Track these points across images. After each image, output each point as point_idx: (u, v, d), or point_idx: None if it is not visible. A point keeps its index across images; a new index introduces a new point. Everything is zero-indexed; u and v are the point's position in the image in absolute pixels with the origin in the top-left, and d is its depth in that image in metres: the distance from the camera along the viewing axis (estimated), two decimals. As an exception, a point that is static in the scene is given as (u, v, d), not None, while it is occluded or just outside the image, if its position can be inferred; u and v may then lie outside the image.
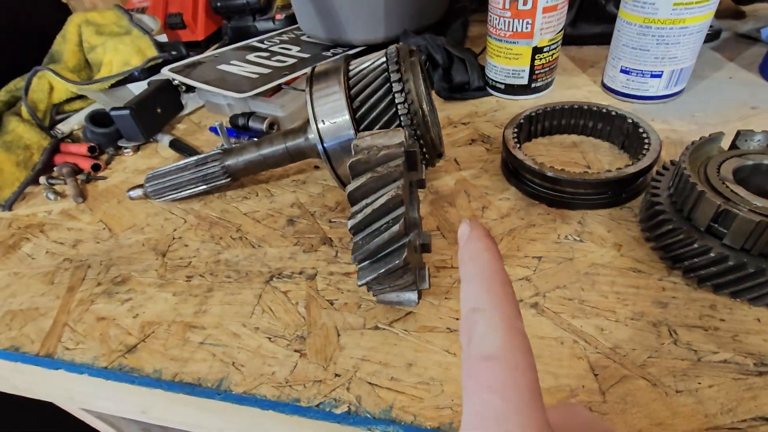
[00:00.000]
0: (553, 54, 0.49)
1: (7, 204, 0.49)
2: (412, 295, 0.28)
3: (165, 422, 0.39)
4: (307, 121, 0.36)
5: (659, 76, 0.45)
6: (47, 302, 0.37)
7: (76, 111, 0.63)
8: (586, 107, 0.43)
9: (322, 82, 0.35)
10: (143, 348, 0.32)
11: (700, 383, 0.25)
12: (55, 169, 0.53)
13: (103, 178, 0.52)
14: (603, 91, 0.51)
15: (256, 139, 0.41)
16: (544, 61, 0.49)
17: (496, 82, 0.52)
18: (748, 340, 0.26)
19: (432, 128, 0.34)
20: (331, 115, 0.34)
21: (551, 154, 0.43)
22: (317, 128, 0.34)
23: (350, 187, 0.24)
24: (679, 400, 0.24)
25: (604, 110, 0.42)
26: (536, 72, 0.49)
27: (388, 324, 0.31)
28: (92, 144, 0.54)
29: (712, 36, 0.56)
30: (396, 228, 0.24)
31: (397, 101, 0.33)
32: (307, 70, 0.43)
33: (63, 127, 0.60)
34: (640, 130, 0.38)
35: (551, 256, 0.33)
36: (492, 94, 0.54)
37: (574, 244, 0.34)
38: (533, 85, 0.51)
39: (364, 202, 0.25)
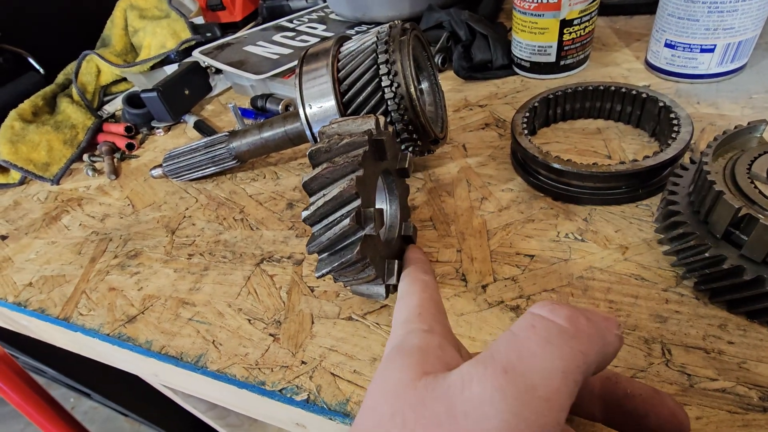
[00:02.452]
0: (586, 27, 0.44)
1: (55, 179, 0.54)
2: (380, 289, 0.27)
3: (172, 385, 0.43)
4: (303, 105, 0.36)
5: (711, 50, 0.39)
6: (73, 270, 0.41)
7: (122, 92, 0.68)
8: (613, 88, 0.38)
9: (312, 64, 0.34)
10: (141, 319, 0.35)
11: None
12: (97, 147, 0.57)
13: (136, 156, 0.56)
14: (645, 68, 0.45)
15: (259, 122, 0.41)
16: (575, 36, 0.44)
17: (521, 59, 0.48)
18: (758, 369, 0.22)
19: (423, 113, 0.32)
20: (318, 99, 0.33)
21: (570, 141, 0.39)
22: (305, 113, 0.34)
23: (305, 178, 0.24)
24: (656, 429, 0.21)
25: (633, 92, 0.37)
26: (565, 48, 0.44)
27: (361, 316, 0.30)
28: (129, 124, 0.58)
29: (796, -1, 0.47)
30: (346, 222, 0.23)
31: (383, 84, 0.31)
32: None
33: (108, 108, 0.65)
34: (672, 115, 0.33)
35: (545, 255, 0.30)
36: (518, 74, 0.49)
37: (574, 243, 0.31)
38: (562, 63, 0.46)
39: (321, 193, 0.24)
